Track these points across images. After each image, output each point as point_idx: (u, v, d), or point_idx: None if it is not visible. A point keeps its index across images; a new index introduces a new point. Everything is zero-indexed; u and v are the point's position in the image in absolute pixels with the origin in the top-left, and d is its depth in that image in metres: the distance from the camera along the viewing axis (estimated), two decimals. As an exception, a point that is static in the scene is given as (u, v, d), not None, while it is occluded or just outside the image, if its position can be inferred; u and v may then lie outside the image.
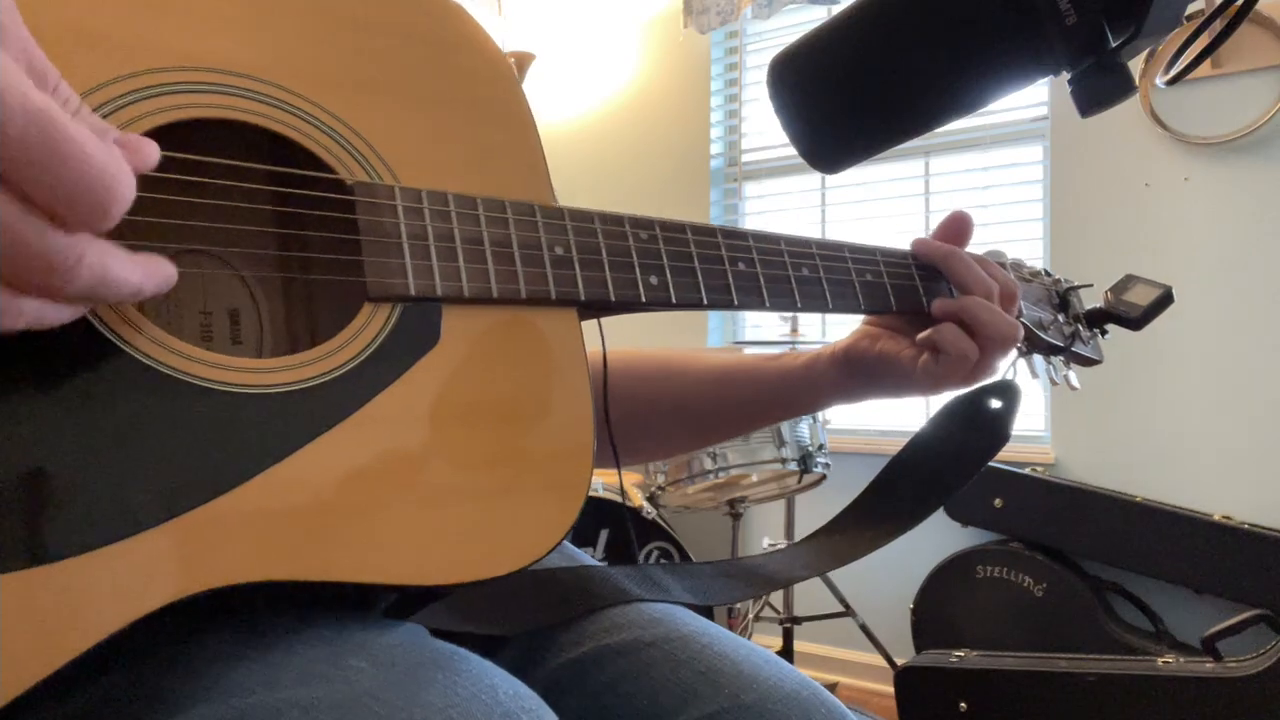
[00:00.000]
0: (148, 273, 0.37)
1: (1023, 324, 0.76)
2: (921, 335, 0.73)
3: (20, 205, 0.32)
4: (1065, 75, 0.50)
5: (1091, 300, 0.91)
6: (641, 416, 0.78)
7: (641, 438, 0.80)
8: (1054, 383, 0.86)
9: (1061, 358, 0.86)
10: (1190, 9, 0.57)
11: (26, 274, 0.33)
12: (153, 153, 0.37)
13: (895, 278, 0.72)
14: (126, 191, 0.34)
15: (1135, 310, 0.86)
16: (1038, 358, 0.84)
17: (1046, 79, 0.52)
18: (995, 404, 0.76)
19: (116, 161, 0.34)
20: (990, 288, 0.72)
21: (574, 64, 3.35)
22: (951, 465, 0.76)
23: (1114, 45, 0.48)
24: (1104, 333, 0.90)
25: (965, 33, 0.51)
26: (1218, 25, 0.55)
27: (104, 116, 0.42)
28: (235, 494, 0.41)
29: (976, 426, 0.76)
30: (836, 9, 0.55)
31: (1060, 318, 0.86)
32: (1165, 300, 0.86)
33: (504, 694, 0.41)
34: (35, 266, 0.33)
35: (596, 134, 3.31)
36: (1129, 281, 0.89)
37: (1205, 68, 2.27)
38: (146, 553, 0.38)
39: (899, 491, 0.77)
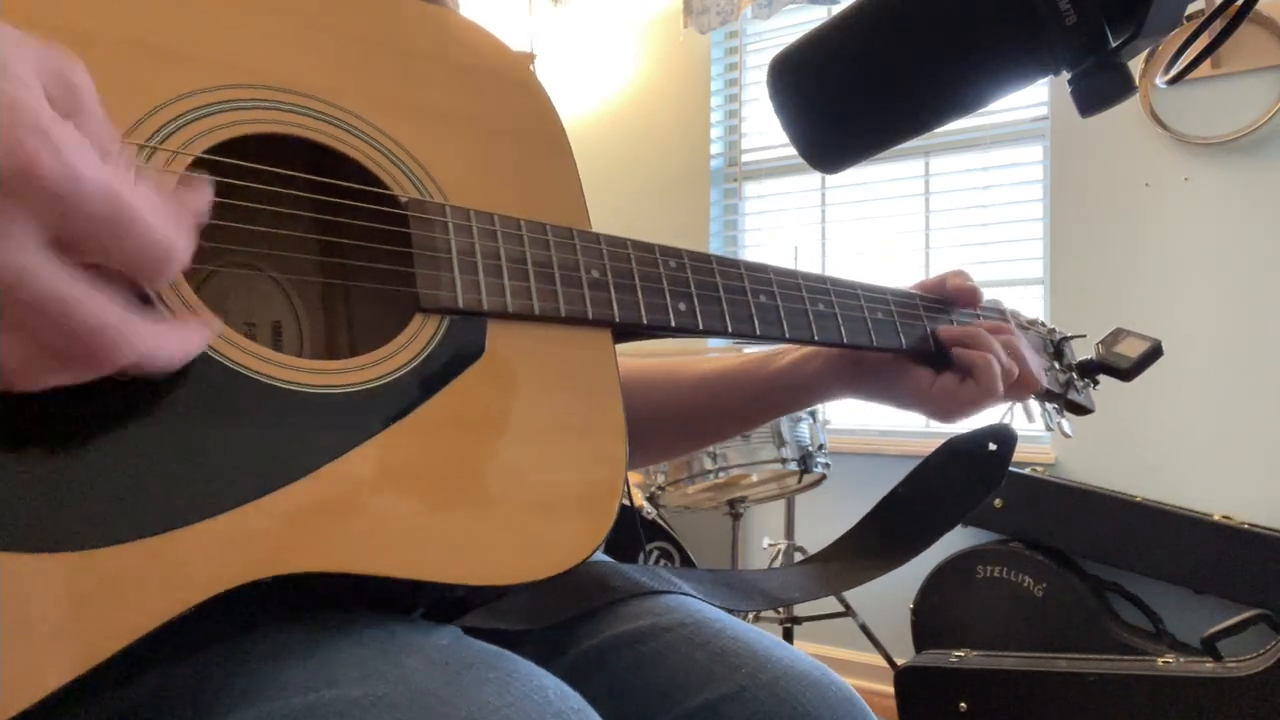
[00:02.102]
0: (185, 350, 0.39)
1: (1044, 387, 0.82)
2: (961, 353, 0.76)
3: (88, 286, 0.34)
4: (1065, 75, 0.50)
5: (1083, 351, 0.95)
6: (633, 426, 0.79)
7: (635, 445, 0.81)
8: (1049, 429, 0.90)
9: (1055, 405, 0.90)
10: (1190, 9, 0.57)
11: (69, 349, 0.34)
12: (206, 195, 0.40)
13: (904, 317, 0.76)
14: (183, 255, 0.37)
15: (1125, 362, 0.90)
16: (1033, 403, 0.88)
17: (1046, 79, 0.52)
18: (992, 447, 0.79)
19: (174, 227, 0.37)
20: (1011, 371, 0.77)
21: (574, 64, 3.35)
22: (946, 504, 0.79)
23: (1114, 45, 0.47)
24: (1095, 383, 0.94)
25: (965, 33, 0.51)
26: (1218, 25, 0.55)
27: (176, 130, 0.45)
28: (295, 487, 0.43)
29: (974, 468, 0.79)
30: (836, 9, 0.55)
31: (1056, 365, 0.90)
32: (1154, 353, 0.90)
33: (553, 694, 0.42)
34: (79, 346, 0.34)
35: (596, 134, 3.31)
36: (1119, 334, 0.93)
37: (1205, 68, 2.28)
38: (206, 540, 0.39)
39: (895, 526, 0.80)
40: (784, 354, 0.81)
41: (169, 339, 0.38)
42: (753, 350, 0.85)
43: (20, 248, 0.32)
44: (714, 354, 0.86)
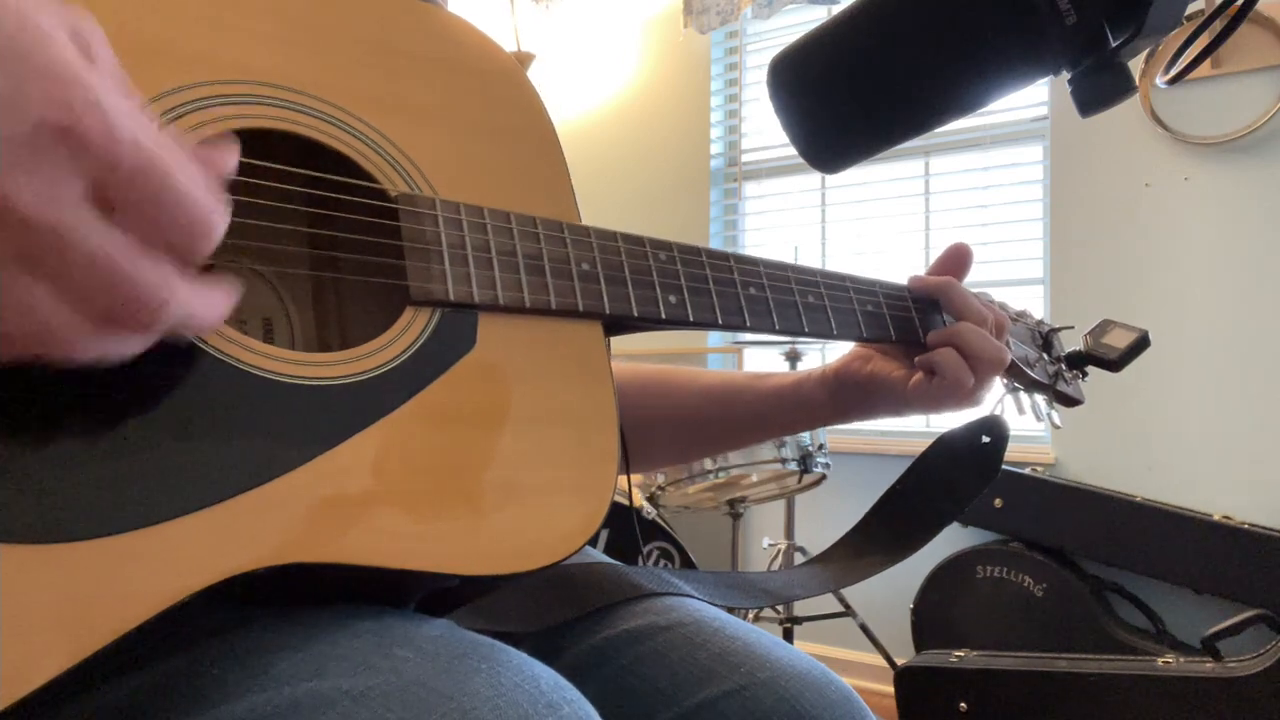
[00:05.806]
0: (223, 309, 0.39)
1: (1011, 358, 0.80)
2: (920, 357, 0.76)
3: (133, 243, 0.33)
4: (1065, 75, 0.50)
5: (1071, 343, 0.95)
6: (638, 430, 0.79)
7: (637, 450, 0.81)
8: (1038, 420, 0.90)
9: (1045, 396, 0.91)
10: (1190, 9, 0.57)
11: (116, 309, 0.34)
12: (232, 153, 0.39)
13: (894, 309, 0.76)
14: (221, 228, 0.36)
15: (1113, 353, 0.90)
16: (1023, 395, 0.89)
17: (1046, 79, 0.52)
18: (985, 440, 0.79)
19: (215, 201, 0.36)
20: (984, 316, 0.77)
21: (574, 64, 3.35)
22: (945, 498, 0.79)
23: (1114, 45, 0.48)
24: (1084, 375, 0.94)
25: (965, 32, 0.51)
26: (1218, 25, 0.55)
27: (166, 124, 0.45)
28: (287, 478, 0.43)
29: (968, 461, 0.80)
30: (836, 9, 0.55)
31: (1045, 357, 0.90)
32: (1142, 344, 0.90)
33: (546, 684, 0.42)
34: (126, 305, 0.34)
35: (596, 134, 3.31)
36: (1106, 325, 0.93)
37: (1205, 68, 2.28)
38: (200, 531, 0.39)
39: (895, 522, 0.80)
40: (784, 376, 0.83)
41: (210, 299, 0.38)
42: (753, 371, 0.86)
43: (66, 202, 0.31)
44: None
